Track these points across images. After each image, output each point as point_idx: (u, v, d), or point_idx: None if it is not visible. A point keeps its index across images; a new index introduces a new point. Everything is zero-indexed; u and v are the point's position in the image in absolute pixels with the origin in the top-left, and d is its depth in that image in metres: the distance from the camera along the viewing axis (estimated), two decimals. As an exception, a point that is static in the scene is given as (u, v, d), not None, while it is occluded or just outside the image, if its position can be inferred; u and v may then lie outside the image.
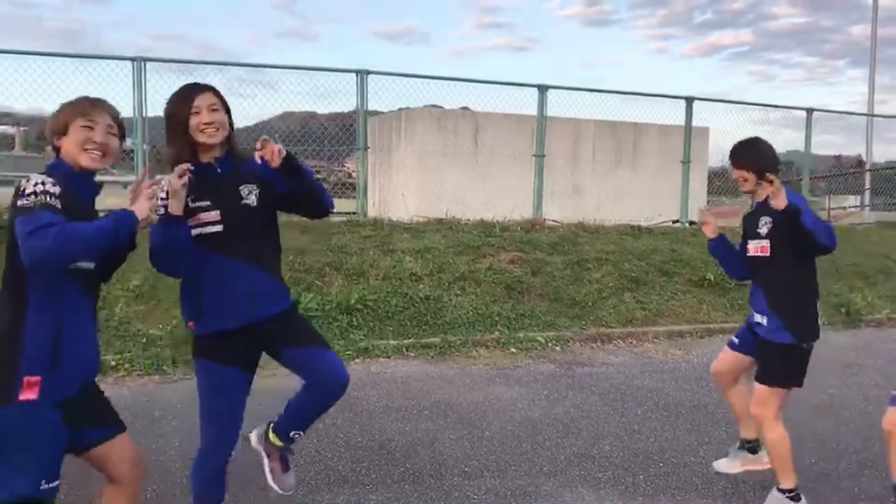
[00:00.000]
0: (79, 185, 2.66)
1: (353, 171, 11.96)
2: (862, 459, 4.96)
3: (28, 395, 2.45)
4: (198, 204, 2.96)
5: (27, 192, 2.44)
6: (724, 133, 14.26)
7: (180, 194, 2.83)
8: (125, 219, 2.60)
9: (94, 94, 2.78)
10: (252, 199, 3.04)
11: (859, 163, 19.89)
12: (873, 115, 17.44)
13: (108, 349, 6.81)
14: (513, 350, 7.69)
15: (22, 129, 17.34)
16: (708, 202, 14.57)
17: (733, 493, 4.32)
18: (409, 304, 8.09)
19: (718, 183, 13.60)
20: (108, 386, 6.17)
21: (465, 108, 12.83)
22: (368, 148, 10.79)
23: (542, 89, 11.71)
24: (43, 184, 2.47)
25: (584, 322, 8.54)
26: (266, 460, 3.29)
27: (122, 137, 2.80)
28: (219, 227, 2.98)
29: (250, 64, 11.08)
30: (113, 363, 6.59)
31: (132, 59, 9.50)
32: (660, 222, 12.70)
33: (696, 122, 13.13)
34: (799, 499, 3.91)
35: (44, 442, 2.52)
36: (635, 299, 9.13)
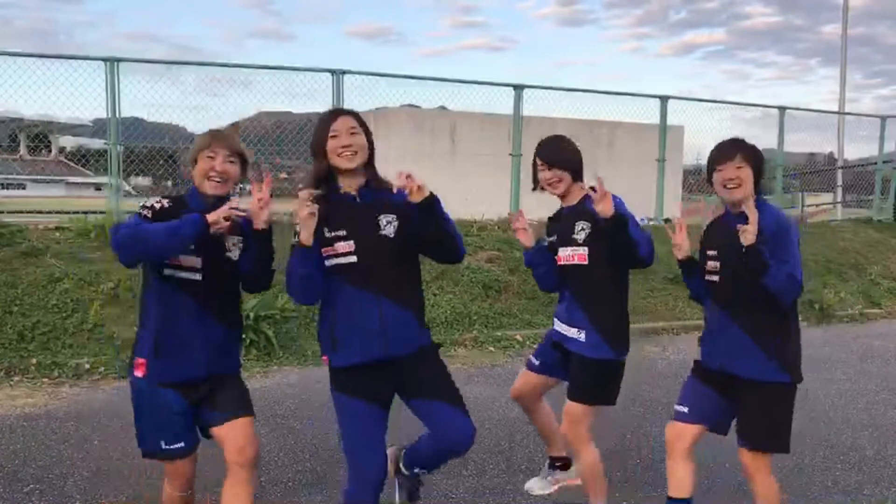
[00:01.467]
0: (207, 209, 2.88)
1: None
2: (835, 452, 5.03)
3: (137, 373, 2.98)
4: (334, 234, 2.92)
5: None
6: (698, 131, 14.39)
7: (307, 224, 2.81)
8: (190, 220, 2.80)
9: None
10: (390, 231, 2.96)
11: (831, 160, 20.13)
12: (845, 113, 17.66)
13: (82, 352, 6.75)
14: (491, 349, 7.72)
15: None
16: (683, 199, 14.68)
17: (709, 489, 4.35)
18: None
19: (693, 181, 13.71)
20: (84, 389, 6.14)
21: (443, 108, 12.83)
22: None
23: (518, 88, 11.73)
24: (155, 202, 2.95)
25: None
26: (396, 478, 3.32)
27: (244, 164, 3.05)
28: (353, 258, 2.91)
29: (225, 63, 11.06)
30: (87, 366, 6.53)
31: (104, 60, 9.39)
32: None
33: (670, 121, 13.22)
34: None
35: (154, 412, 2.98)
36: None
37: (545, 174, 3.54)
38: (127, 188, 13.59)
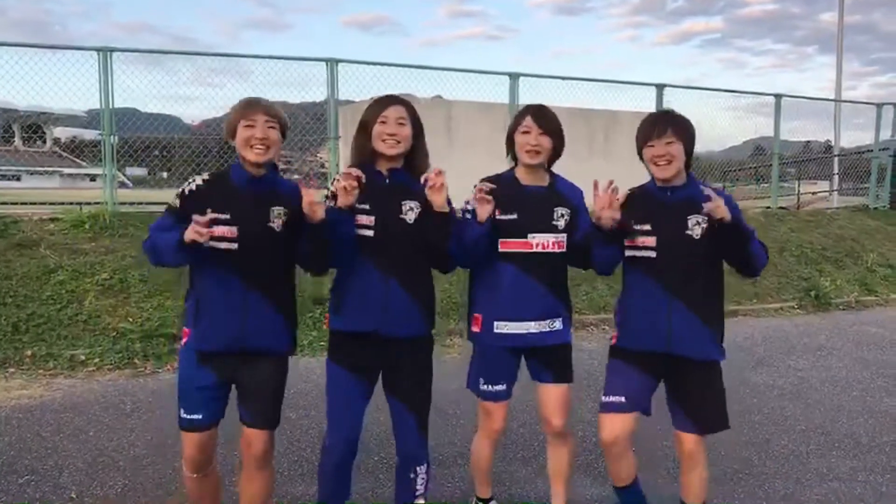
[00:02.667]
0: (253, 185, 2.98)
1: (325, 161, 11.89)
2: (830, 440, 5.04)
3: (184, 341, 3.05)
4: (359, 206, 3.00)
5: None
6: (694, 120, 14.34)
7: (347, 197, 2.91)
8: (170, 246, 2.83)
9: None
10: (410, 217, 3.07)
11: (828, 148, 20.11)
12: (841, 101, 17.63)
13: (77, 343, 6.73)
14: (487, 338, 7.71)
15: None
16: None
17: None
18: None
19: (689, 169, 13.67)
20: (79, 381, 6.13)
21: (438, 97, 12.79)
22: (340, 137, 10.72)
23: (514, 77, 11.70)
24: (188, 184, 2.98)
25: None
26: None
27: (284, 129, 3.04)
28: (370, 233, 3.03)
29: (220, 53, 10.96)
30: (83, 357, 6.52)
31: (98, 50, 9.34)
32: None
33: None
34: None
35: (185, 380, 3.06)
36: (608, 286, 9.16)
37: (532, 138, 3.24)
38: (122, 179, 13.56)
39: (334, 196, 2.95)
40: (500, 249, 3.25)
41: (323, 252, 3.00)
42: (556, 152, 3.34)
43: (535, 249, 3.25)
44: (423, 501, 3.29)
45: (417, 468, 3.25)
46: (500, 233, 3.21)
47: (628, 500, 3.47)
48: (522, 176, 3.34)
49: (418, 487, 3.26)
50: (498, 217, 3.17)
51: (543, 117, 3.29)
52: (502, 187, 3.21)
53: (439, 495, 3.93)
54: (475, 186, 3.16)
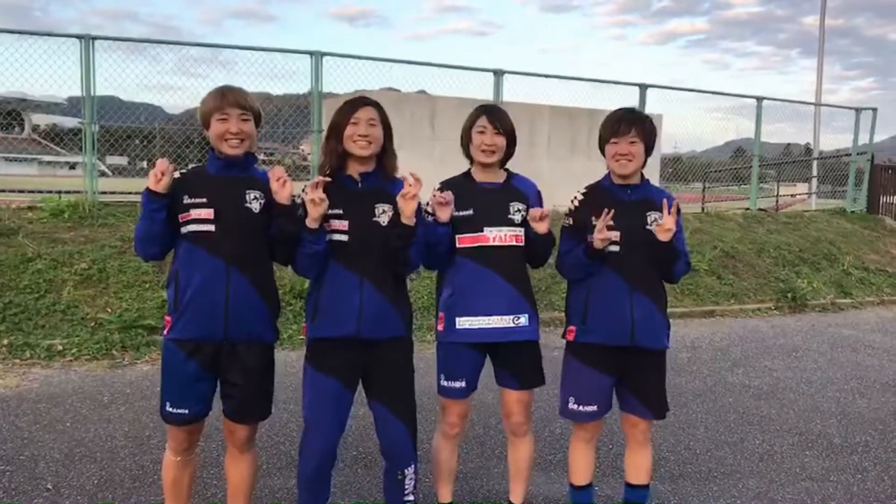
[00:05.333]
0: (228, 170, 3.00)
1: (308, 154, 11.84)
2: (804, 440, 5.11)
3: (166, 331, 3.00)
4: (331, 211, 3.02)
5: None
6: (677, 120, 14.45)
7: (315, 209, 2.92)
8: (144, 198, 2.86)
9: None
10: (384, 220, 3.08)
11: (807, 151, 20.33)
12: (821, 105, 17.83)
13: (55, 333, 6.68)
14: (467, 334, 7.73)
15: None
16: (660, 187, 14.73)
17: (679, 475, 4.41)
18: (364, 289, 8.01)
19: (671, 169, 13.78)
20: (56, 371, 6.08)
21: (423, 92, 12.77)
22: (323, 130, 10.68)
23: (498, 74, 11.73)
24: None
25: (538, 306, 8.59)
26: None
27: (258, 118, 3.03)
28: (344, 238, 3.05)
29: (202, 44, 10.86)
30: (60, 347, 6.47)
31: (79, 37, 9.25)
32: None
33: (649, 110, 13.26)
34: None
35: (169, 371, 3.02)
36: (588, 284, 9.22)
37: (488, 138, 3.28)
38: (102, 168, 13.43)
39: (304, 208, 2.97)
40: (458, 245, 3.30)
41: (287, 244, 3.02)
42: (510, 151, 3.40)
43: (492, 243, 3.28)
44: (412, 498, 3.28)
45: (406, 470, 3.23)
46: (456, 229, 3.28)
47: (583, 501, 3.57)
48: (477, 174, 3.40)
49: (407, 487, 3.25)
50: (455, 214, 3.25)
51: (498, 118, 3.33)
52: (457, 187, 3.34)
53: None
54: (433, 193, 3.26)
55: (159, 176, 2.82)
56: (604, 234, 3.11)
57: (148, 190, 2.84)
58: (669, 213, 3.15)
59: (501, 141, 3.32)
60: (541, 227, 3.24)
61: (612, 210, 3.13)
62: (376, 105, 3.12)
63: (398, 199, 3.01)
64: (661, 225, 3.14)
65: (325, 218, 3.00)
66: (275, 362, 3.17)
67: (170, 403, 3.01)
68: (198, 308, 2.93)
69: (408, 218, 3.01)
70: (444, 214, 3.19)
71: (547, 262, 3.45)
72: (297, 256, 3.04)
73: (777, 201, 18.08)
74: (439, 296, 3.43)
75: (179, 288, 2.95)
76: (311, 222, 2.94)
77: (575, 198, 3.41)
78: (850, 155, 16.02)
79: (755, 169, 14.70)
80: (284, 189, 2.95)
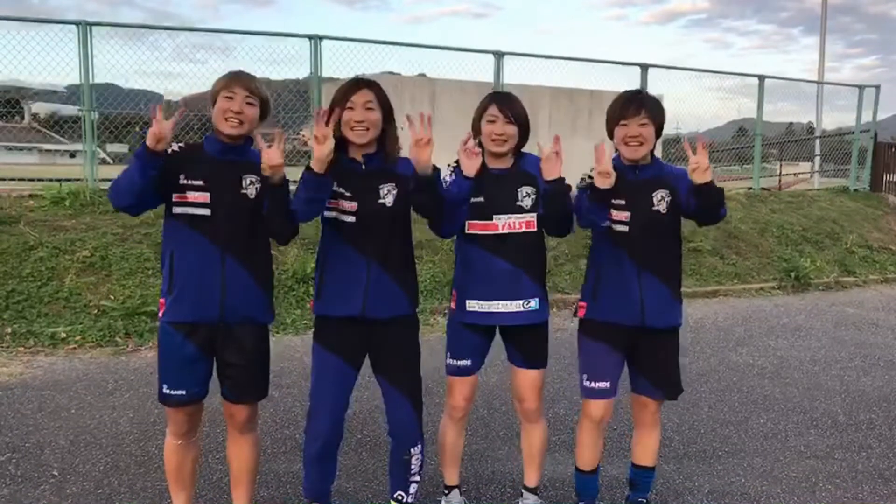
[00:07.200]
0: (226, 154, 2.98)
1: (308, 139, 11.78)
2: (808, 418, 5.11)
3: (161, 313, 2.99)
4: (339, 190, 3.00)
5: None
6: (678, 100, 14.37)
7: (320, 148, 2.81)
8: (138, 152, 2.81)
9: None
10: (389, 200, 3.04)
11: (810, 130, 20.23)
12: (823, 83, 17.71)
13: (59, 321, 6.69)
14: (470, 317, 7.72)
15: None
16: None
17: (683, 454, 4.42)
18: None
19: (672, 150, 13.70)
20: (60, 358, 6.09)
21: (422, 75, 12.70)
22: (323, 115, 10.63)
23: (499, 56, 11.66)
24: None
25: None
26: None
27: (264, 106, 3.01)
28: (352, 219, 3.02)
29: (200, 28, 10.77)
30: (64, 335, 6.48)
31: (77, 24, 9.19)
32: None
33: (651, 90, 13.18)
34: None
35: (165, 353, 3.02)
36: (591, 266, 9.21)
37: (498, 127, 3.21)
38: (102, 155, 13.41)
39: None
40: (468, 231, 3.28)
41: (284, 216, 2.94)
42: (523, 140, 3.32)
43: (501, 231, 3.24)
44: (417, 478, 3.29)
45: (412, 449, 3.23)
46: (467, 215, 3.24)
47: (589, 486, 3.55)
48: (488, 159, 3.30)
49: (413, 468, 3.26)
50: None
51: (509, 106, 3.24)
52: None
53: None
54: (463, 142, 3.12)
55: (159, 135, 2.76)
56: (604, 169, 3.03)
57: (145, 146, 2.76)
58: (695, 151, 3.00)
59: (512, 130, 3.24)
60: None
61: (607, 148, 3.05)
62: (374, 86, 3.04)
63: (412, 149, 2.92)
64: (696, 166, 2.98)
65: (334, 196, 2.98)
66: (269, 343, 3.18)
67: (167, 386, 3.01)
68: (193, 292, 2.93)
69: (425, 164, 2.92)
70: (472, 167, 3.06)
71: (571, 229, 3.30)
72: (295, 203, 2.92)
73: (780, 180, 18.00)
74: (455, 272, 3.47)
75: (174, 270, 2.95)
76: (317, 164, 2.82)
77: (584, 177, 3.27)
78: (853, 133, 15.94)
79: (758, 148, 14.62)
80: (272, 157, 2.84)
